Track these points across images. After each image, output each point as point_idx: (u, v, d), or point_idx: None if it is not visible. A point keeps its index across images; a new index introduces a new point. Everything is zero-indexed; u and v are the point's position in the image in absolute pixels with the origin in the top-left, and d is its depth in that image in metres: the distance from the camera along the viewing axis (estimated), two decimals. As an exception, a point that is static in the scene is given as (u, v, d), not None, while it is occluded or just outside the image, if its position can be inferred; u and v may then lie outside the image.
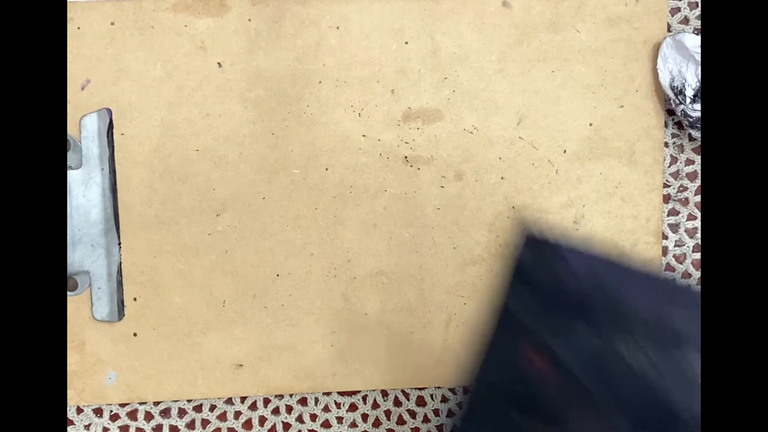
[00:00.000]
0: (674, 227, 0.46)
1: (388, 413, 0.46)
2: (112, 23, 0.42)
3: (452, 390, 0.46)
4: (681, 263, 0.46)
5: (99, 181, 0.42)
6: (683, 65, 0.42)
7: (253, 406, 0.45)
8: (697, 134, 0.43)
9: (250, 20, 0.43)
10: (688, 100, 0.42)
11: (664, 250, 0.46)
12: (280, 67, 0.43)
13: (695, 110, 0.42)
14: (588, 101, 0.44)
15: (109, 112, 0.42)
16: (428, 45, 0.43)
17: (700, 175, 0.45)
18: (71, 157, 0.42)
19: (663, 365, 0.33)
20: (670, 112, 0.45)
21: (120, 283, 0.43)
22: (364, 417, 0.46)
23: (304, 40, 0.43)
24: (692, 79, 0.42)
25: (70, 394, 0.44)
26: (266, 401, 0.45)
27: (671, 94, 0.42)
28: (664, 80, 0.43)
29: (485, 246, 0.45)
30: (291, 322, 0.44)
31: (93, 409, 0.45)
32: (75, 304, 0.43)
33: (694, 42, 0.42)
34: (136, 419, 0.45)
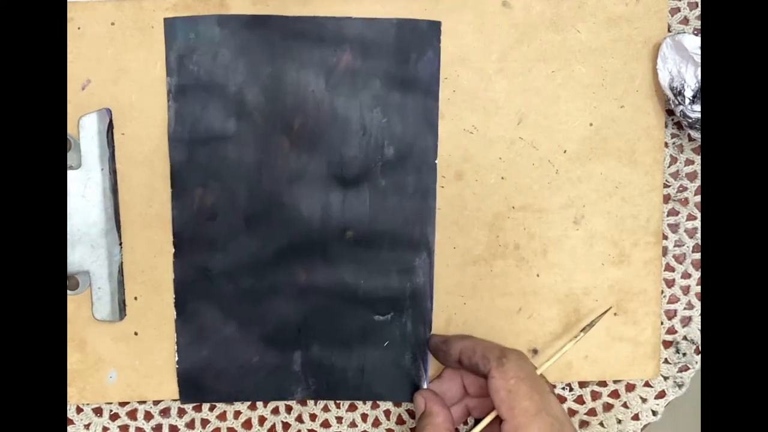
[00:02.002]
0: (674, 227, 0.46)
1: (387, 413, 0.46)
2: (113, 23, 0.42)
3: (452, 390, 0.46)
4: (681, 263, 0.46)
5: (99, 181, 0.42)
6: (682, 66, 0.42)
7: (253, 406, 0.46)
8: (696, 135, 0.43)
9: (250, 20, 0.43)
10: (687, 101, 0.42)
11: (664, 250, 0.46)
12: (280, 67, 0.43)
13: (694, 111, 0.42)
14: (588, 101, 0.44)
15: (109, 112, 0.42)
16: (428, 45, 0.43)
17: (699, 175, 0.45)
18: (71, 157, 0.42)
19: None
20: (670, 113, 0.45)
21: (121, 283, 0.43)
22: (364, 417, 0.46)
23: (304, 40, 0.43)
24: (691, 80, 0.42)
25: (72, 392, 0.44)
26: (265, 401, 0.45)
27: (670, 95, 0.42)
28: (664, 81, 0.43)
29: (485, 246, 0.45)
30: (291, 321, 0.45)
31: (93, 409, 0.45)
32: (76, 303, 0.43)
33: (693, 43, 0.42)
34: (135, 419, 0.45)
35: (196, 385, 0.44)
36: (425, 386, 0.44)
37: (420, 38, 0.43)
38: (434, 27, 0.43)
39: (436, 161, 0.43)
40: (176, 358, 0.44)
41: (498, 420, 0.38)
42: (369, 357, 0.44)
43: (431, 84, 0.43)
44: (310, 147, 0.43)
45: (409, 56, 0.43)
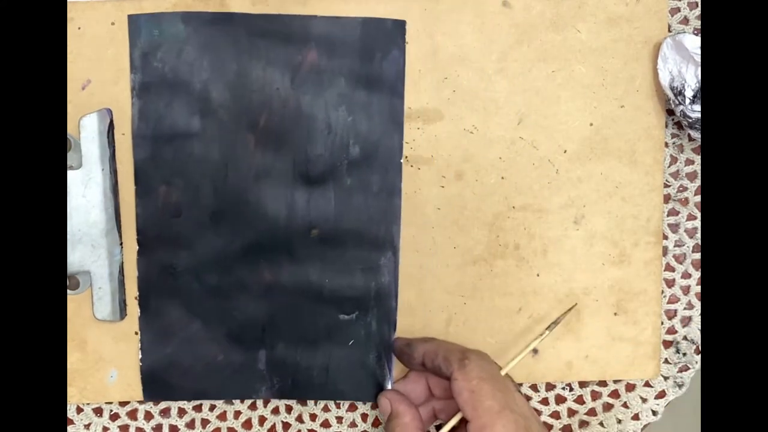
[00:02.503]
0: (674, 227, 0.46)
1: (388, 413, 0.46)
2: (113, 23, 0.42)
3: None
4: (681, 263, 0.46)
5: (99, 181, 0.42)
6: (683, 66, 0.42)
7: (253, 406, 0.46)
8: (696, 135, 0.43)
9: (250, 20, 0.43)
10: (687, 101, 0.42)
11: (664, 250, 0.46)
12: (280, 67, 0.43)
13: (694, 111, 0.42)
14: (588, 101, 0.44)
15: (110, 112, 0.42)
16: (428, 45, 0.43)
17: (699, 175, 0.45)
18: (72, 157, 0.42)
19: None
20: (670, 113, 0.45)
21: (122, 283, 0.43)
22: (364, 417, 0.46)
23: (304, 40, 0.43)
24: (692, 79, 0.42)
25: (73, 391, 0.44)
26: (266, 401, 0.45)
27: (671, 95, 0.42)
28: (664, 80, 0.43)
29: (485, 246, 0.45)
30: (291, 321, 0.45)
31: (93, 409, 0.45)
32: (76, 303, 0.43)
33: (693, 43, 0.42)
34: (135, 419, 0.45)
35: (160, 383, 0.44)
36: (390, 386, 0.44)
37: (385, 37, 0.43)
38: (399, 26, 0.43)
39: (402, 160, 0.43)
40: (139, 356, 0.44)
41: (464, 422, 0.38)
42: (334, 356, 0.44)
43: (396, 83, 0.43)
44: (275, 145, 0.43)
45: (374, 55, 0.43)
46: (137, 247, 0.43)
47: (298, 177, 0.43)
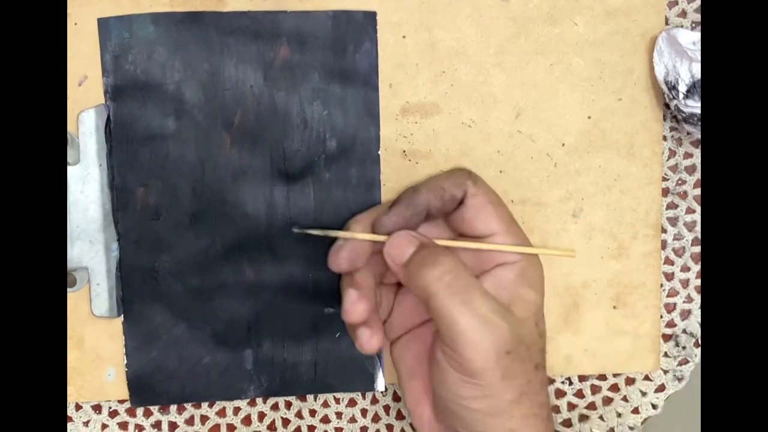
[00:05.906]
0: (673, 221, 0.46)
1: (387, 408, 0.46)
2: (109, 19, 0.42)
3: (452, 384, 0.46)
4: (680, 257, 0.46)
5: (97, 177, 0.42)
6: (677, 61, 0.42)
7: (252, 402, 0.45)
8: (690, 129, 0.43)
9: (246, 15, 0.43)
10: (681, 96, 0.42)
11: (663, 244, 0.46)
12: (278, 62, 0.43)
13: (688, 106, 0.42)
14: (586, 94, 0.44)
15: (107, 107, 0.42)
16: (426, 39, 0.43)
17: (698, 168, 0.45)
18: (69, 153, 0.41)
19: None
20: (667, 106, 0.45)
21: (119, 279, 0.43)
22: (363, 412, 0.46)
23: (301, 35, 0.43)
24: (685, 74, 0.42)
25: (70, 390, 0.44)
26: (265, 397, 0.45)
27: (665, 89, 0.42)
28: (660, 74, 0.42)
29: (484, 240, 0.45)
30: (289, 317, 0.44)
31: (92, 406, 0.45)
32: (74, 300, 0.43)
33: (687, 38, 0.42)
34: (134, 416, 0.45)
35: (147, 388, 0.44)
36: (380, 375, 0.45)
37: (356, 29, 0.43)
38: (370, 17, 0.43)
39: (379, 152, 0.43)
40: (125, 362, 0.44)
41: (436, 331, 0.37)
42: (321, 350, 0.44)
43: (370, 75, 0.43)
44: (251, 143, 0.43)
45: (346, 48, 0.43)
46: (117, 252, 0.43)
47: (276, 174, 0.43)
